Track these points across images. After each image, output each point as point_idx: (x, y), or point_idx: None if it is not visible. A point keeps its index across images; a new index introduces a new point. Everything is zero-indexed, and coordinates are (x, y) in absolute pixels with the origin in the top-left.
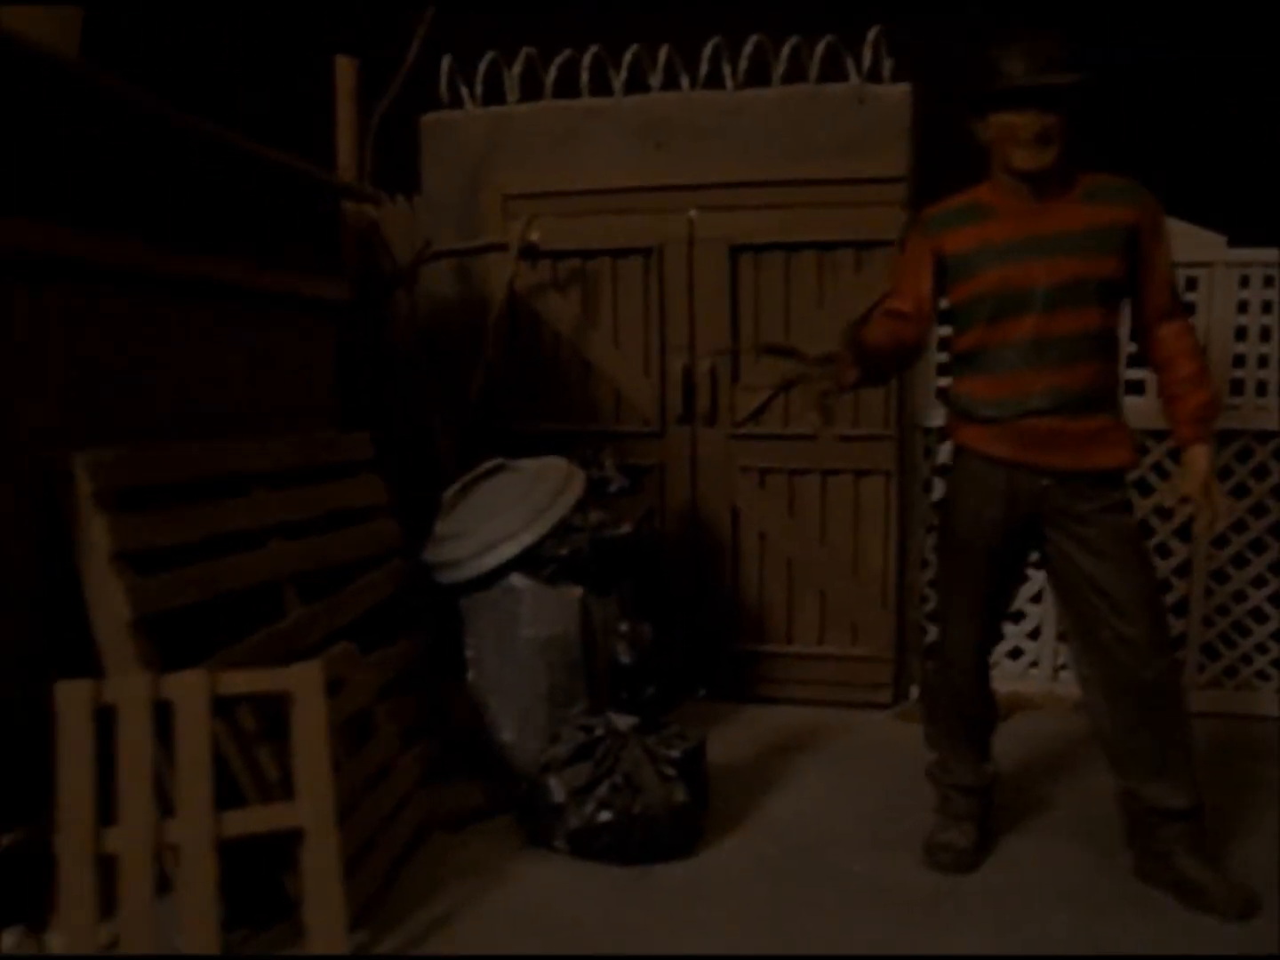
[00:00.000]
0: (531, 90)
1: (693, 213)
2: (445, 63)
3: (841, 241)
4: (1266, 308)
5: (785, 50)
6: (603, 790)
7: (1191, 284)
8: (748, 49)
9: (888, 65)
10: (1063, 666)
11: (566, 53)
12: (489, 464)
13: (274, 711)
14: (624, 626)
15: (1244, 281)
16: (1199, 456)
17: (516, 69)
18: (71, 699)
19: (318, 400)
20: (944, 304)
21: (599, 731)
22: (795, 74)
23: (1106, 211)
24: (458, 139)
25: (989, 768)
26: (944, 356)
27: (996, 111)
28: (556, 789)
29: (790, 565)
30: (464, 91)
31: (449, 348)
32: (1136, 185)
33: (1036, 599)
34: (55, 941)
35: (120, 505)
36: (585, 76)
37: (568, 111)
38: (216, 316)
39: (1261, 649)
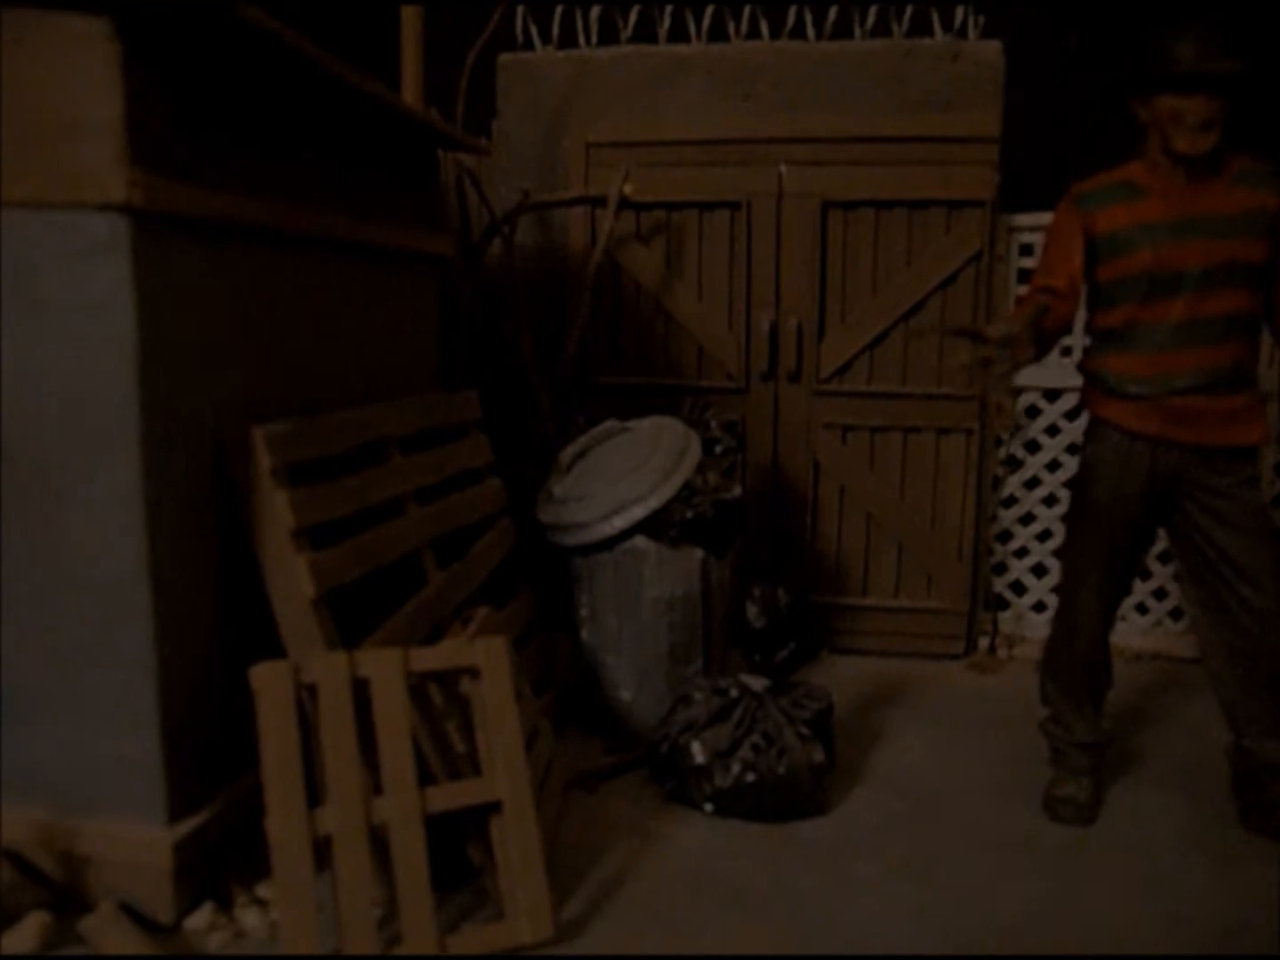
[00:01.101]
0: (607, 36)
1: (782, 167)
2: (521, 3)
3: (932, 200)
4: None
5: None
6: (745, 751)
7: None
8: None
9: (978, 22)
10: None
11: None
12: (605, 425)
13: (454, 685)
14: (757, 590)
15: None
16: None
17: (594, 12)
18: (272, 681)
19: (425, 358)
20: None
21: (734, 693)
22: (881, 29)
23: (1255, 196)
24: (537, 83)
25: (1105, 725)
26: None
27: (1163, 94)
28: (699, 751)
29: (869, 520)
30: (535, 35)
31: (535, 300)
32: (1276, 169)
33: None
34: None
35: (295, 480)
36: (665, 23)
37: (654, 58)
38: (341, 275)
39: None
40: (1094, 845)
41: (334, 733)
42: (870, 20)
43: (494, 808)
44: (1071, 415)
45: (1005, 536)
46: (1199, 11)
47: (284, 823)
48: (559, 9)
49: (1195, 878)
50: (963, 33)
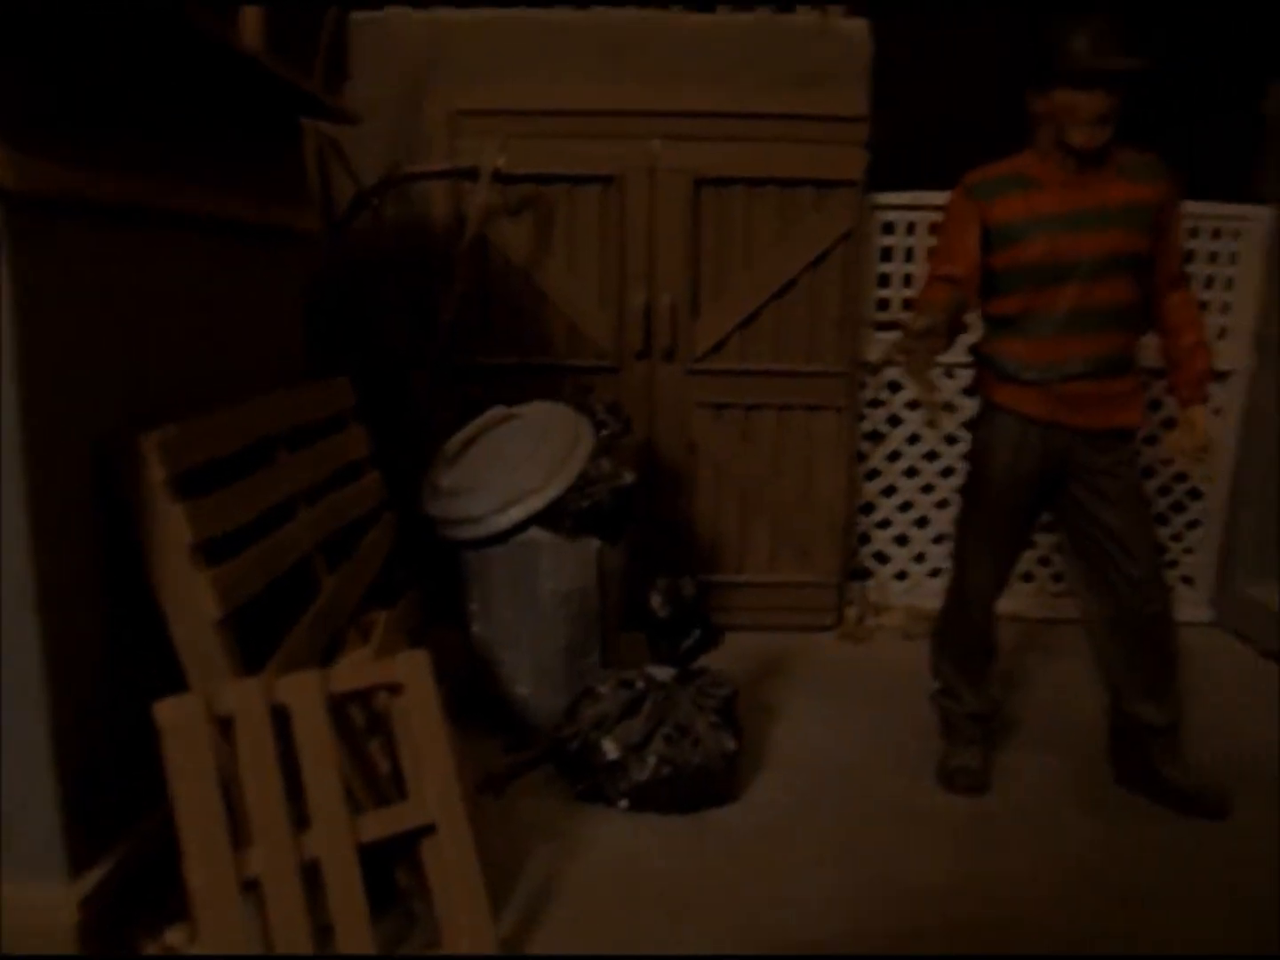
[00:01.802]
0: None
1: (655, 142)
2: None
3: (803, 179)
4: None
5: None
6: (659, 744)
7: None
8: None
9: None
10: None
11: None
12: (491, 412)
13: (372, 700)
14: (661, 580)
15: None
16: (1198, 415)
17: None
18: (181, 717)
19: (293, 343)
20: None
21: (640, 685)
22: (748, 3)
23: (1139, 189)
24: (395, 44)
25: (994, 694)
26: (885, 293)
27: (1060, 88)
28: (612, 748)
29: (744, 497)
30: None
31: (400, 277)
32: (1158, 161)
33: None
34: None
35: (189, 489)
36: None
37: (521, 23)
38: (210, 256)
39: None
40: (991, 813)
41: (256, 769)
42: None
43: (426, 830)
44: None
45: (868, 508)
46: (1097, 9)
47: (206, 872)
48: None
49: (1086, 837)
50: (830, 0)
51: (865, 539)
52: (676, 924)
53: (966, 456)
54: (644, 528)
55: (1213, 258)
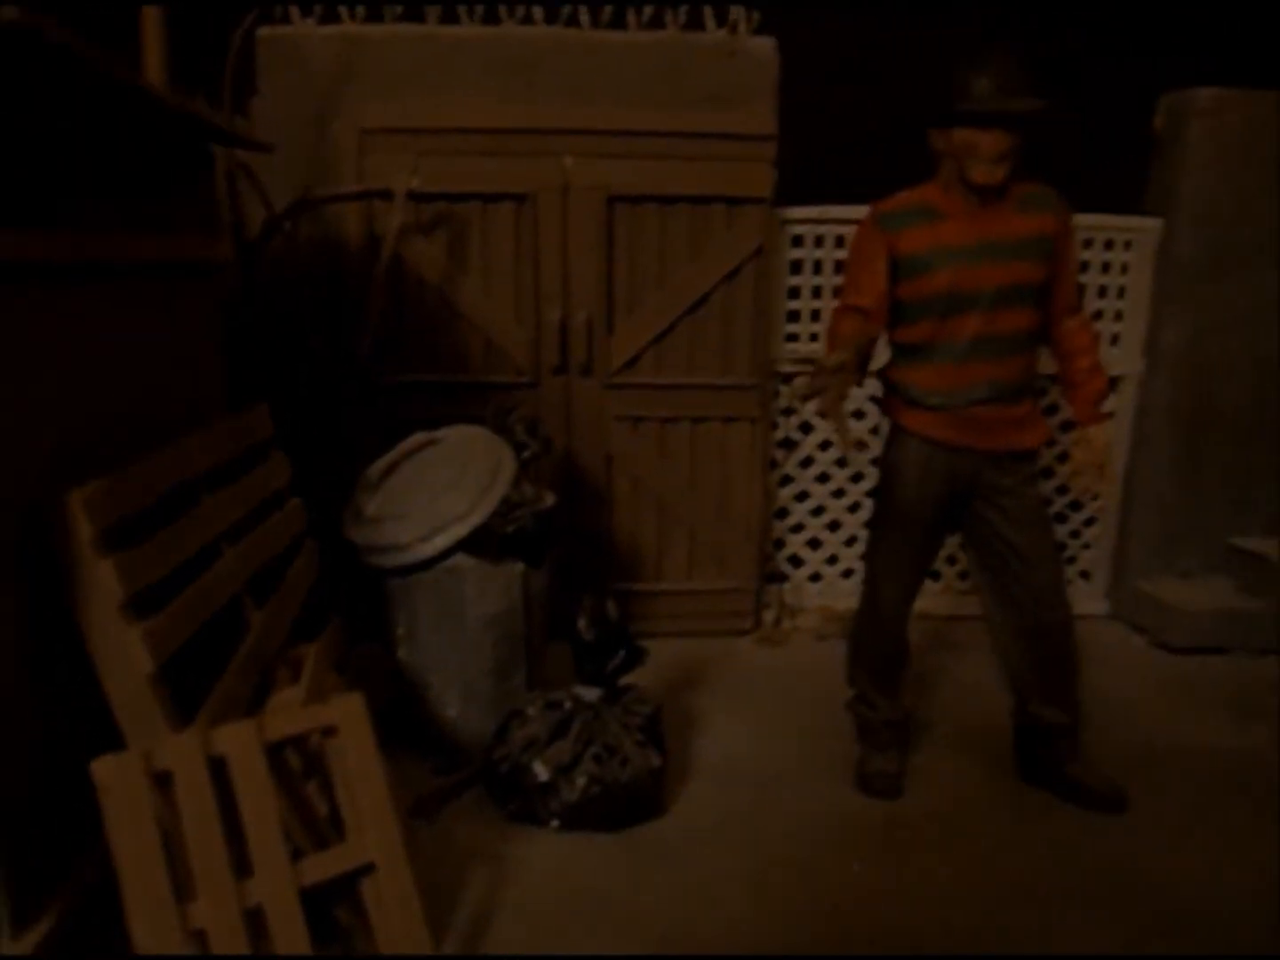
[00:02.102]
0: (373, 13)
1: (568, 159)
2: None
3: (714, 196)
4: None
5: None
6: (588, 764)
7: None
8: None
9: (752, 18)
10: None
11: None
12: (412, 438)
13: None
14: (586, 601)
15: None
16: (1097, 434)
17: None
18: (119, 775)
19: (212, 375)
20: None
21: (568, 706)
22: (658, 21)
23: (1037, 220)
24: (302, 61)
25: (906, 701)
26: (795, 304)
27: (961, 127)
28: (542, 770)
29: (661, 507)
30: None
31: (314, 298)
32: (1054, 192)
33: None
34: None
35: (119, 543)
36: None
37: (430, 40)
38: (123, 298)
39: None
40: (907, 815)
41: (196, 822)
42: (646, 12)
43: (366, 869)
44: None
45: (783, 514)
46: (997, 51)
47: (152, 926)
48: None
49: (995, 836)
50: (737, 28)
51: (780, 544)
52: (613, 941)
53: (878, 481)
54: (565, 539)
55: (1106, 268)
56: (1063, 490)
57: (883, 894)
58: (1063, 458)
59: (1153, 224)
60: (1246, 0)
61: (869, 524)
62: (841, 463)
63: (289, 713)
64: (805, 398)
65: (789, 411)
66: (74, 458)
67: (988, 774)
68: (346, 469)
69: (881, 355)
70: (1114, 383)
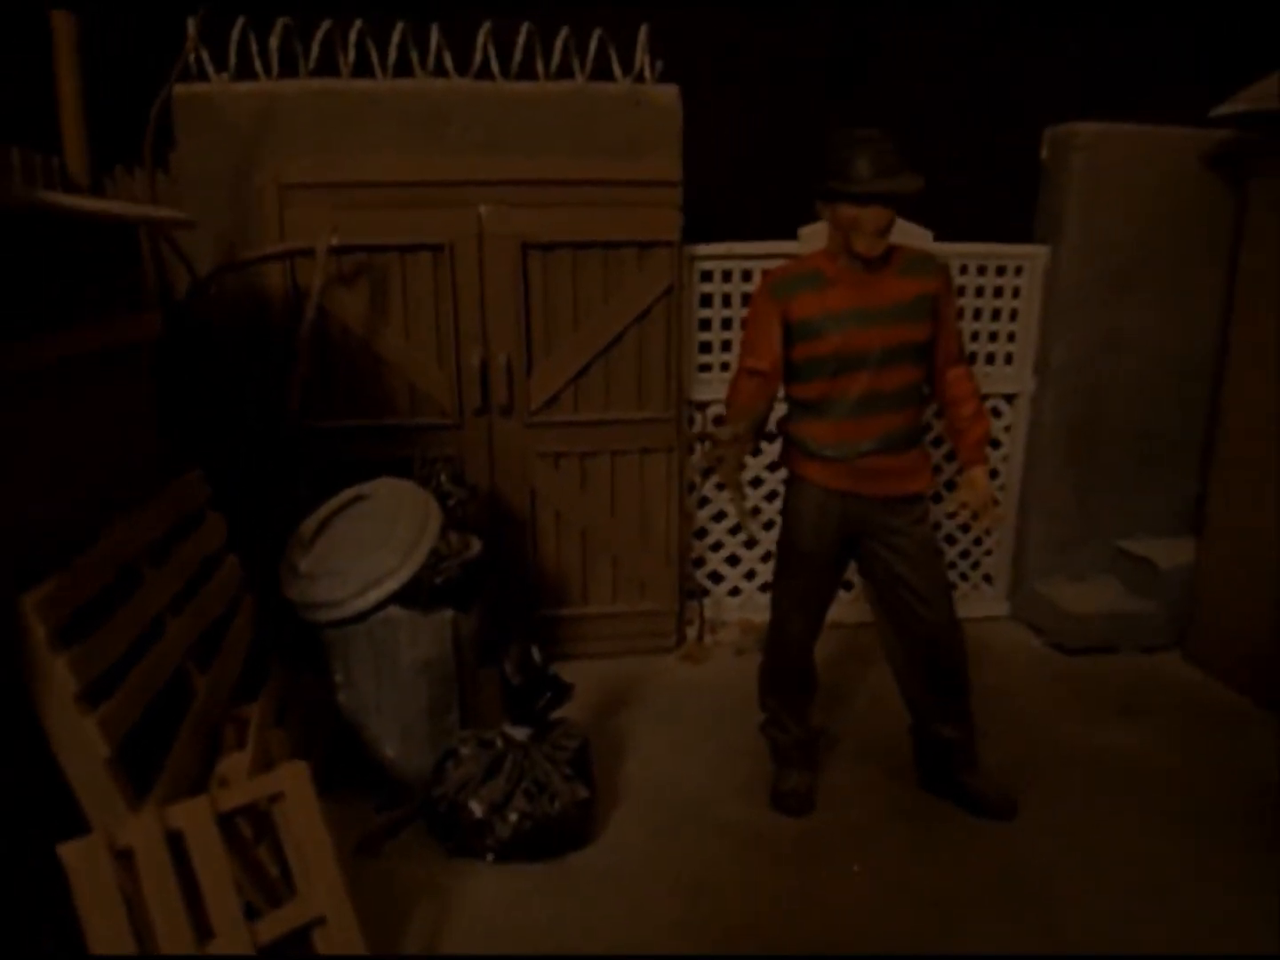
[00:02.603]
0: (290, 65)
1: (483, 209)
2: (191, 26)
3: (624, 241)
4: (961, 291)
5: (558, 42)
6: (519, 801)
7: None
8: (520, 39)
9: (656, 67)
10: None
11: (327, 24)
12: (343, 494)
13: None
14: (512, 649)
15: None
16: (980, 475)
17: (274, 41)
18: (85, 857)
19: (144, 444)
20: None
21: (500, 745)
22: (566, 69)
23: (919, 284)
24: (220, 117)
25: (815, 722)
26: (706, 336)
27: (844, 204)
28: (477, 808)
29: (584, 537)
30: (225, 59)
31: (240, 351)
32: (933, 257)
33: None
34: None
35: (70, 638)
36: (351, 56)
37: (345, 96)
38: (63, 388)
39: None
40: (819, 830)
41: (159, 893)
42: (555, 61)
43: (317, 922)
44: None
45: (702, 533)
46: (873, 134)
47: None
48: (235, 35)
49: (899, 845)
50: (641, 77)
51: (700, 562)
52: None
53: (781, 525)
54: (495, 572)
55: (999, 293)
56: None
57: (794, 906)
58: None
59: (1041, 251)
60: (1134, 35)
61: (775, 564)
62: (756, 482)
63: (238, 785)
64: (705, 471)
65: (704, 438)
66: (25, 552)
67: (893, 784)
68: (282, 519)
69: (781, 409)
70: (1008, 400)
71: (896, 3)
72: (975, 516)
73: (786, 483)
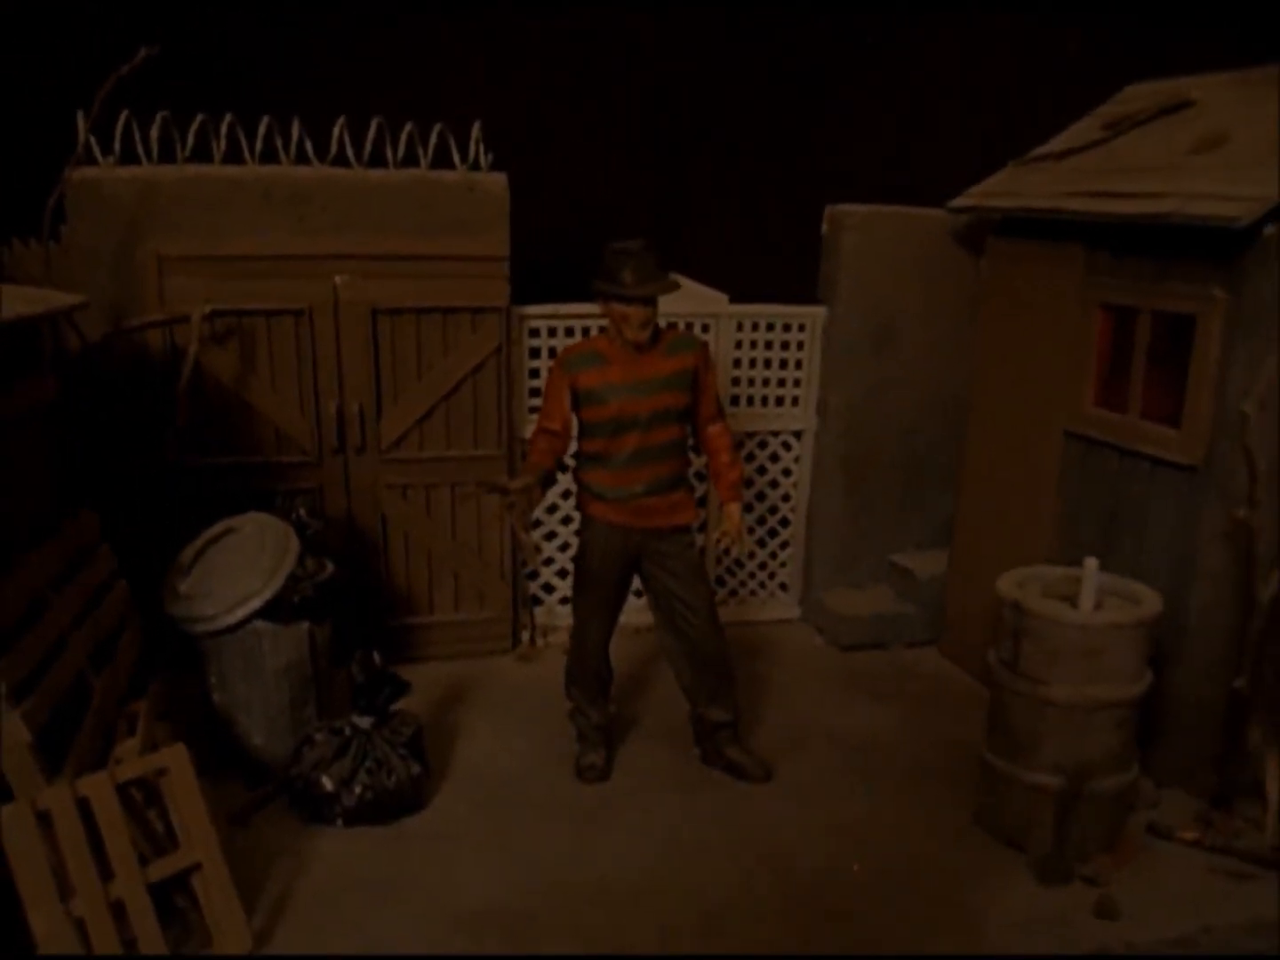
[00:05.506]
0: (168, 150)
1: (338, 279)
2: (81, 118)
3: (460, 307)
4: (754, 345)
5: (403, 135)
6: (363, 776)
7: (705, 328)
8: (371, 131)
9: (488, 156)
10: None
11: (200, 118)
12: (216, 526)
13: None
14: (358, 654)
15: (739, 326)
16: (735, 510)
17: (154, 132)
18: (17, 818)
19: (43, 491)
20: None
21: (347, 732)
22: (411, 158)
23: (680, 361)
24: (106, 199)
25: (611, 709)
26: (536, 383)
27: (614, 302)
28: (328, 782)
29: (430, 556)
30: (111, 146)
31: (123, 401)
32: (695, 338)
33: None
34: None
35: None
36: (223, 144)
37: (215, 180)
38: None
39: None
40: (611, 796)
41: (70, 845)
42: (401, 151)
43: (194, 867)
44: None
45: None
46: (637, 249)
47: (45, 918)
48: (120, 124)
49: (674, 808)
50: (476, 165)
51: (534, 575)
52: (386, 910)
53: (576, 553)
54: (349, 589)
55: (785, 346)
56: (762, 521)
57: (590, 853)
58: (762, 499)
59: (820, 310)
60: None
61: (573, 583)
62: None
63: (131, 761)
64: (496, 513)
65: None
66: None
67: (677, 759)
68: (163, 548)
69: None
70: (796, 435)
71: (703, 98)
72: (732, 543)
73: (581, 521)
